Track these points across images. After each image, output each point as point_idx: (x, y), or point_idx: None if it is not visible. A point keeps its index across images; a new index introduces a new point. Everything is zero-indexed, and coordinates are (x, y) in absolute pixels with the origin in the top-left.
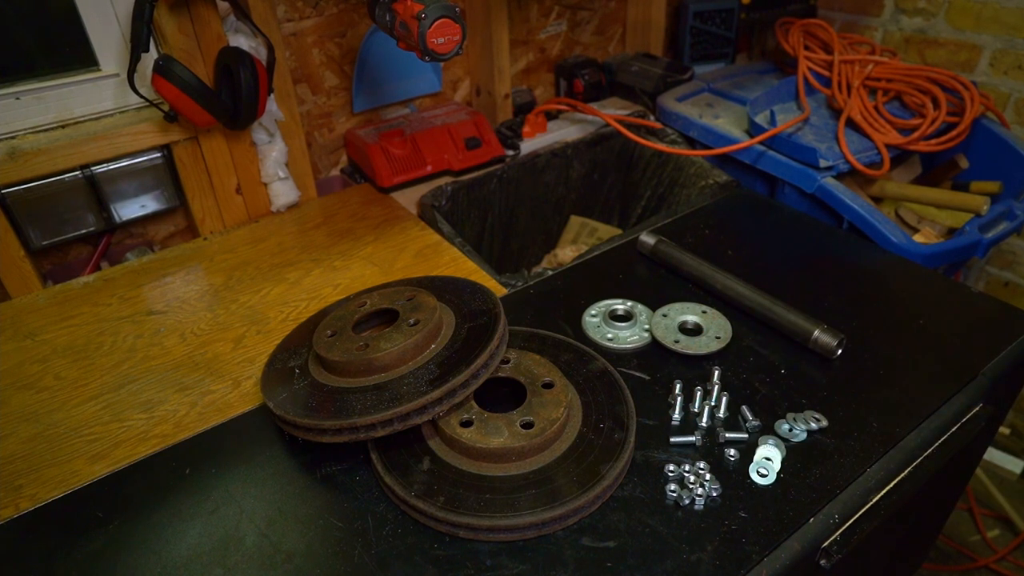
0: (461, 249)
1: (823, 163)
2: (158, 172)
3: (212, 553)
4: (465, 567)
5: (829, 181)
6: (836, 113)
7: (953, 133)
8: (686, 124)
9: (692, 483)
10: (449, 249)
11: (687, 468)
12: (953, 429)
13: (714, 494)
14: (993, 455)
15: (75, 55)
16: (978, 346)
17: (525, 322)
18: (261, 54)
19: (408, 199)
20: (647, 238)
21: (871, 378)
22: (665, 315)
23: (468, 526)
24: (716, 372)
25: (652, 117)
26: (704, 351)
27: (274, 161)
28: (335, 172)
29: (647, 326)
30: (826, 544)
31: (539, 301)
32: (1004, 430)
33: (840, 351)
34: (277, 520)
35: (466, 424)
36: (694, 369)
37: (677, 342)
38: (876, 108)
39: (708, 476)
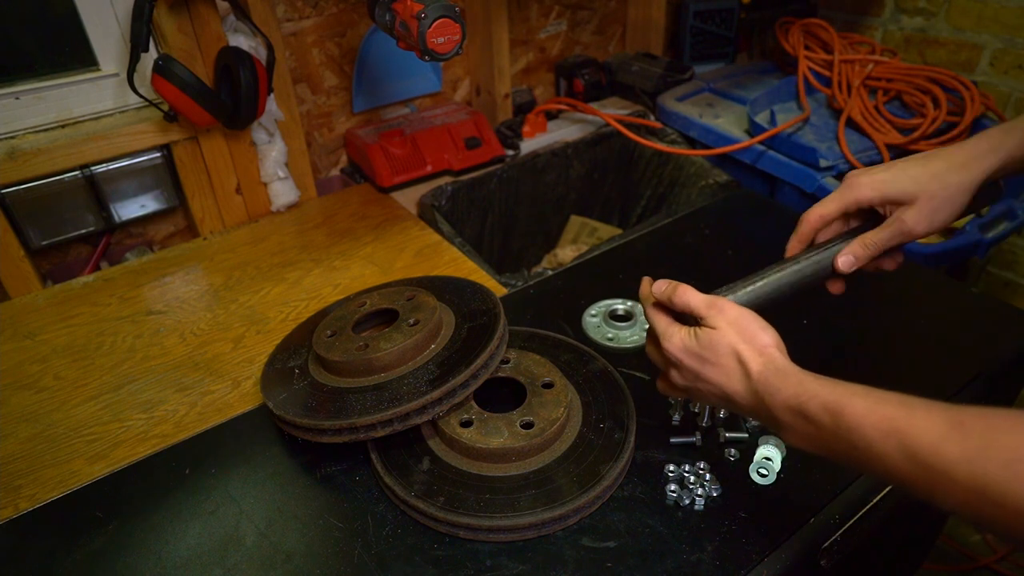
0: (461, 249)
1: (823, 163)
2: (158, 172)
3: (212, 553)
4: (465, 567)
5: (829, 181)
6: (836, 113)
7: (954, 133)
8: (686, 124)
9: (692, 483)
10: (449, 249)
11: (687, 468)
12: None
13: (714, 494)
14: None
15: (75, 55)
16: (978, 346)
17: (525, 322)
18: (261, 54)
19: (408, 199)
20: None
21: (871, 378)
22: None
23: (468, 526)
24: None
25: (652, 117)
26: None
27: (274, 161)
28: (335, 172)
29: (647, 326)
30: (826, 544)
31: (539, 301)
32: None
33: None
34: (277, 520)
35: (466, 424)
36: None
37: None
38: (876, 108)
39: (708, 476)
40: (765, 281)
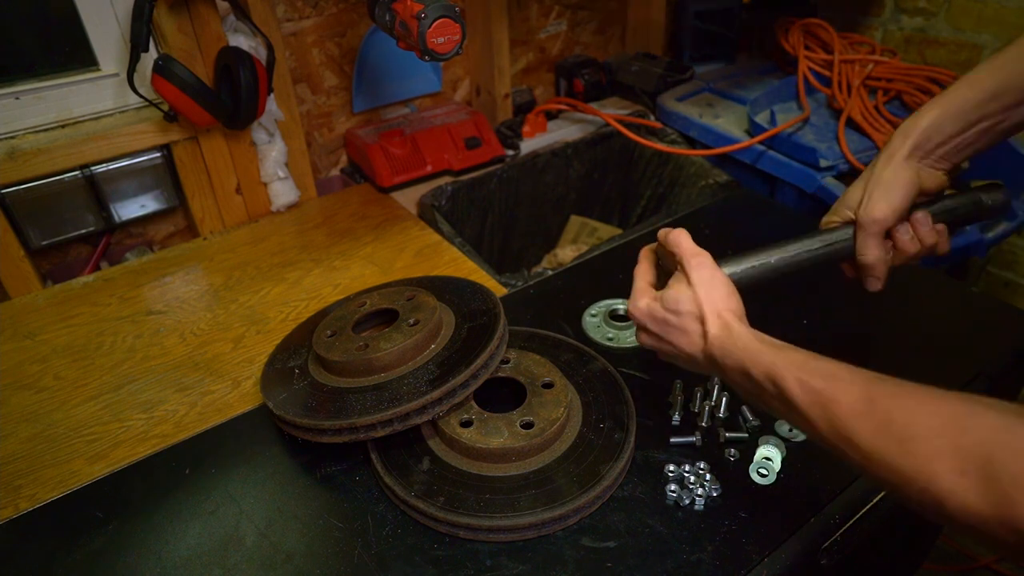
0: (461, 249)
1: (823, 163)
2: (158, 172)
3: (212, 553)
4: (465, 567)
5: (829, 181)
6: (836, 113)
7: None
8: (686, 124)
9: (692, 483)
10: (449, 249)
11: (687, 468)
12: None
13: (714, 494)
14: None
15: (75, 55)
16: (978, 346)
17: (525, 322)
18: (261, 54)
19: (408, 199)
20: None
21: None
22: None
23: (468, 526)
24: None
25: (652, 117)
26: None
27: (274, 161)
28: (335, 172)
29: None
30: (826, 544)
31: (539, 301)
32: None
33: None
34: (277, 520)
35: (466, 424)
36: None
37: None
38: (876, 108)
39: (708, 476)
40: (759, 262)
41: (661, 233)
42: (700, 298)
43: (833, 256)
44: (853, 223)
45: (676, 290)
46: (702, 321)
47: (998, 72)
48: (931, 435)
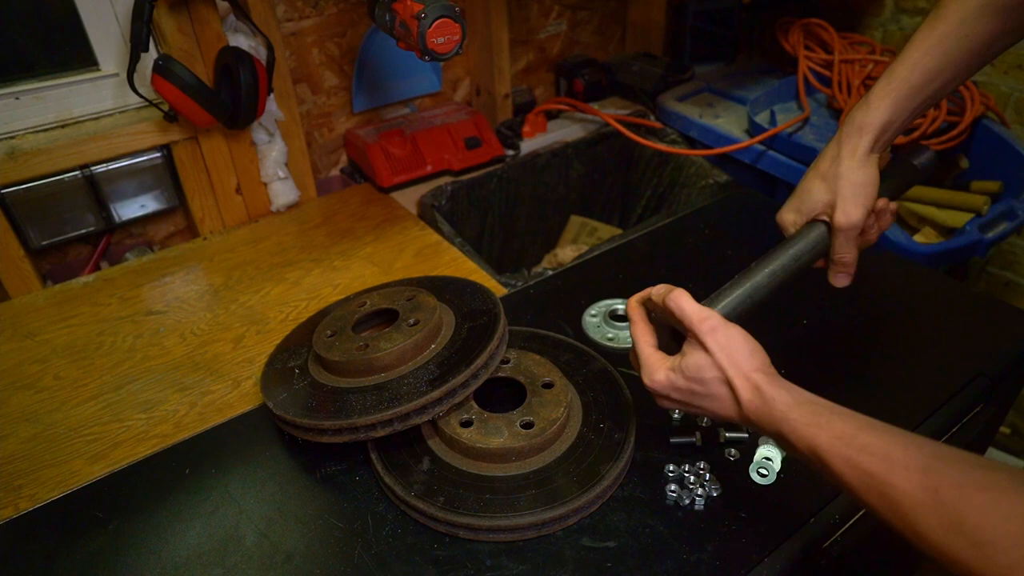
0: (461, 249)
1: None
2: (158, 172)
3: (212, 553)
4: (465, 567)
5: None
6: (836, 113)
7: (953, 133)
8: (686, 124)
9: (692, 483)
10: (449, 249)
11: (687, 468)
12: (953, 430)
13: (714, 494)
14: (993, 455)
15: (75, 55)
16: (978, 346)
17: (525, 322)
18: (261, 54)
19: (408, 199)
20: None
21: (871, 378)
22: None
23: (468, 526)
24: None
25: (652, 117)
26: None
27: (274, 161)
28: (335, 172)
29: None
30: (826, 544)
31: (539, 301)
32: (1004, 430)
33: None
34: (277, 520)
35: (466, 424)
36: None
37: None
38: None
39: (708, 476)
40: (749, 285)
41: (656, 296)
42: (723, 364)
43: (813, 260)
44: (822, 223)
45: (695, 358)
46: (730, 386)
47: (934, 51)
48: (1009, 544)
